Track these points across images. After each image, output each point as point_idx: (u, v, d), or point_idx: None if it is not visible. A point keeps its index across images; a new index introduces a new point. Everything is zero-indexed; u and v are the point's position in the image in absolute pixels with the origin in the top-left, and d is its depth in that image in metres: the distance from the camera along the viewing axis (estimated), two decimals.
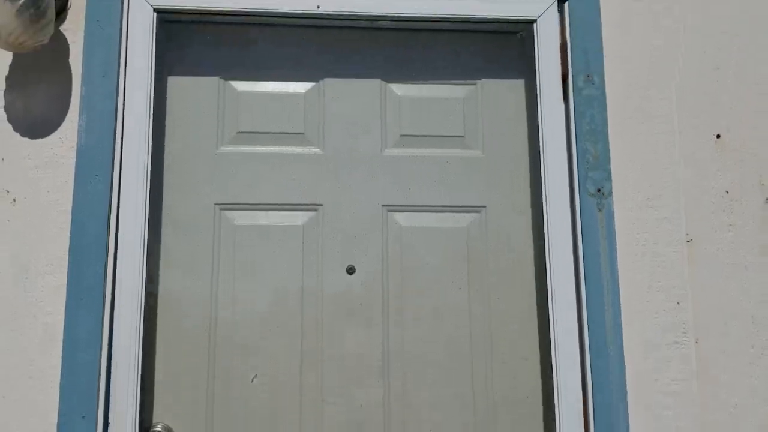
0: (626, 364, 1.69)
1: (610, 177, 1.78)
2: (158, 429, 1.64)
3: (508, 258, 1.85)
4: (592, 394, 1.67)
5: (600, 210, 1.77)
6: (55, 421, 1.54)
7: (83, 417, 1.54)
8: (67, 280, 1.59)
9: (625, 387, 1.68)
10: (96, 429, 1.54)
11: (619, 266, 1.74)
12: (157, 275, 1.74)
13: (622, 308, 1.72)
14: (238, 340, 1.73)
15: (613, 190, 1.78)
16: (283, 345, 1.74)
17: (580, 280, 1.73)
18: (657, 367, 1.70)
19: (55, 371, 1.56)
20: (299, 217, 1.82)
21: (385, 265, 1.82)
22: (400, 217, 1.85)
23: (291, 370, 1.73)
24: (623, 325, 1.71)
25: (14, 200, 1.63)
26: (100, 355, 1.57)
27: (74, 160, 1.65)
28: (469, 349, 1.79)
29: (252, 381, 1.71)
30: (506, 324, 1.81)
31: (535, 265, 1.85)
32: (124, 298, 1.61)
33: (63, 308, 1.58)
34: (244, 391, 1.71)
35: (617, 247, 1.74)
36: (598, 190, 1.77)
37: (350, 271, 1.80)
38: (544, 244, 1.76)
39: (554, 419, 1.68)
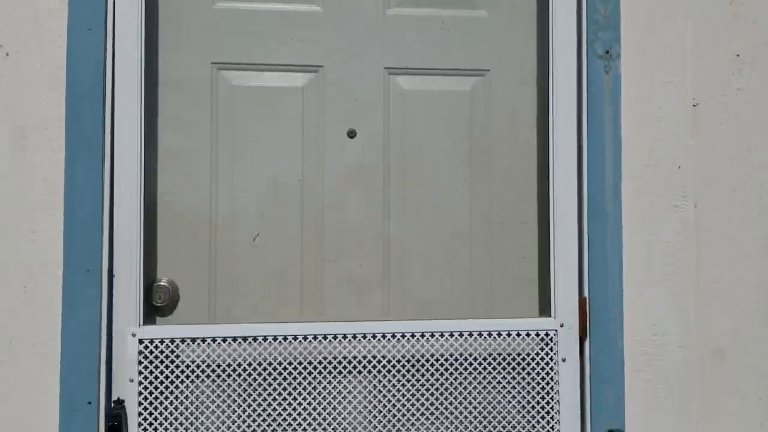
0: (624, 226, 1.70)
1: (620, 38, 1.73)
2: (163, 283, 1.67)
3: (511, 122, 1.82)
4: (588, 253, 1.69)
5: (607, 72, 1.72)
6: (60, 273, 1.57)
7: (88, 270, 1.56)
8: (65, 133, 1.57)
9: (622, 247, 1.70)
10: (101, 282, 1.57)
11: (622, 129, 1.71)
12: (155, 135, 1.72)
13: (623, 172, 1.71)
14: (239, 201, 1.74)
15: (621, 53, 1.73)
16: (284, 206, 1.75)
17: (583, 142, 1.72)
18: (656, 230, 1.72)
19: (57, 227, 1.57)
20: (299, 79, 1.78)
21: (386, 128, 1.79)
22: (403, 80, 1.81)
23: (292, 231, 1.75)
24: (623, 189, 1.71)
25: (7, 54, 1.59)
26: (102, 208, 1.58)
27: (66, 12, 1.60)
28: (468, 210, 1.80)
29: (254, 240, 1.73)
30: (507, 188, 1.81)
31: (538, 129, 1.82)
32: (124, 154, 1.60)
33: (63, 163, 1.57)
34: (247, 250, 1.73)
35: (621, 109, 1.71)
36: (607, 52, 1.73)
37: (351, 134, 1.78)
38: (548, 107, 1.73)
39: (550, 278, 1.71)
